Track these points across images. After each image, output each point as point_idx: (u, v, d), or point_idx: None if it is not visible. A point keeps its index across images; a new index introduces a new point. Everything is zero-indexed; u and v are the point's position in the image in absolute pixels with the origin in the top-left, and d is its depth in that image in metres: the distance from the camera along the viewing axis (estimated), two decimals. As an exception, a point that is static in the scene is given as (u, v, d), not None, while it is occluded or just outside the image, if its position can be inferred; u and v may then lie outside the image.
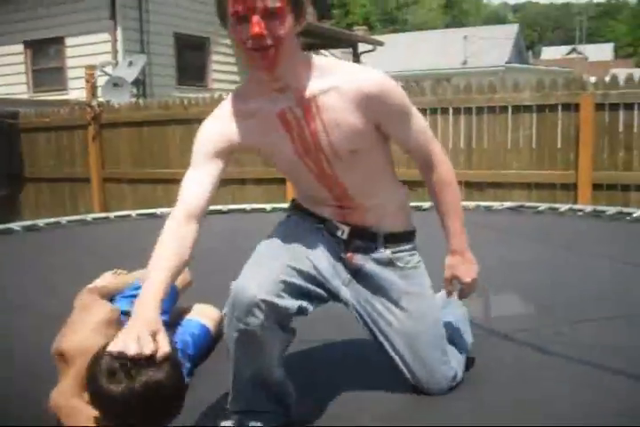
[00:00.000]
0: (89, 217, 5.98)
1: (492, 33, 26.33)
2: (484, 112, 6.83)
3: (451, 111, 6.97)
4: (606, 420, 1.75)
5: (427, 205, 4.57)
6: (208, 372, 2.26)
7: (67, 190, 9.53)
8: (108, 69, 11.14)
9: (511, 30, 31.26)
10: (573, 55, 53.07)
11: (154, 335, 1.47)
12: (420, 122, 1.88)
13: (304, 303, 1.82)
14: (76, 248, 4.55)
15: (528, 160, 6.68)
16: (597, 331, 2.46)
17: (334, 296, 1.96)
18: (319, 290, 1.90)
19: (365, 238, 1.96)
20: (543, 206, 5.31)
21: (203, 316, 2.58)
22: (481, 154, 6.89)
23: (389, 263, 1.96)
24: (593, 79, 6.84)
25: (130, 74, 11.01)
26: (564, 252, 3.78)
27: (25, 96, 12.85)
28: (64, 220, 5.67)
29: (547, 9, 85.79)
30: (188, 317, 2.58)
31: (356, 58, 17.86)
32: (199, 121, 1.92)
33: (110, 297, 2.37)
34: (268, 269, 1.77)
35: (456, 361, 2.05)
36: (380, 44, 18.96)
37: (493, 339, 2.39)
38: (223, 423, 1.89)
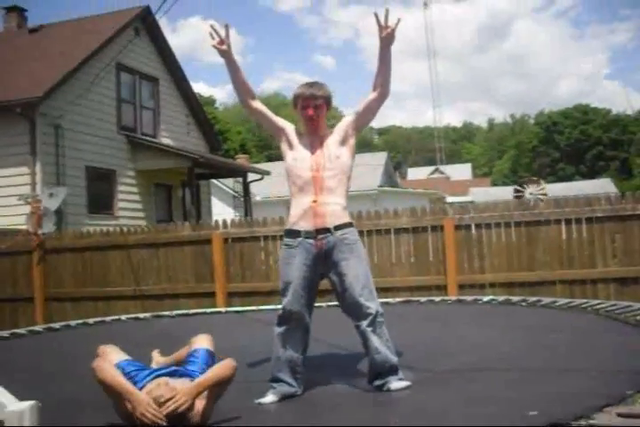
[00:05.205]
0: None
1: (365, 160, 27.93)
2: (372, 234, 8.58)
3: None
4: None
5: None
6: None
7: (7, 310, 10.33)
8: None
9: (381, 157, 34.15)
10: (436, 175, 57.34)
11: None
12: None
13: (310, 308, 3.67)
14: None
15: (408, 269, 8.45)
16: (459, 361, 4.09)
17: (320, 276, 3.71)
18: (314, 283, 3.69)
19: (324, 232, 3.63)
20: (423, 299, 7.16)
21: (204, 343, 3.74)
22: (372, 266, 8.54)
23: (340, 241, 3.64)
24: (451, 201, 8.91)
25: (52, 204, 12.08)
26: (442, 324, 5.58)
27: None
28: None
29: (409, 132, 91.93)
30: (195, 347, 3.76)
31: (246, 186, 19.01)
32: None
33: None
34: (293, 296, 3.60)
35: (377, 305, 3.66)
36: (267, 173, 20.31)
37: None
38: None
